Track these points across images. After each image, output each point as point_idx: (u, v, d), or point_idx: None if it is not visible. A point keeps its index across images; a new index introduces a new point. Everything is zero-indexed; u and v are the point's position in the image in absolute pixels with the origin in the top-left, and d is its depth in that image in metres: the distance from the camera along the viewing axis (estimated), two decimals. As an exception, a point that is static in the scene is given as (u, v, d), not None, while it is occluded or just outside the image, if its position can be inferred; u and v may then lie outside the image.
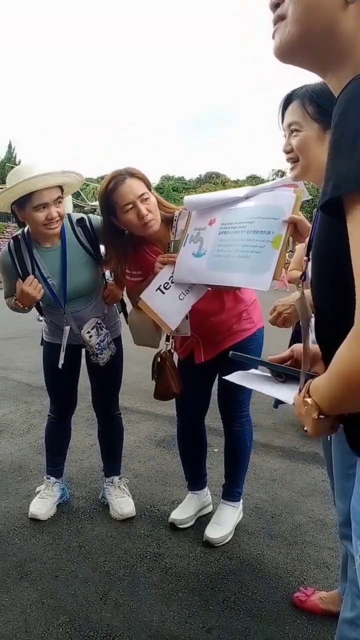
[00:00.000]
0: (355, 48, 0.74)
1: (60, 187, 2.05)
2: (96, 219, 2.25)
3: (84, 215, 2.27)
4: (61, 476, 2.62)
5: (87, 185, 46.26)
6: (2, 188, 2.06)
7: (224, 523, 2.29)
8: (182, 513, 2.40)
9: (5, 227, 23.71)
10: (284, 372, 0.99)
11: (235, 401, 2.25)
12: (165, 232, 2.04)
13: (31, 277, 2.11)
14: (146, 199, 1.93)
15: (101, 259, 2.20)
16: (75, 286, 2.19)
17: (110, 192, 1.92)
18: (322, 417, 0.79)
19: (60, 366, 2.28)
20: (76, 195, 36.05)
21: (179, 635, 1.72)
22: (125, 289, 2.27)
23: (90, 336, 2.23)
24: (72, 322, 2.25)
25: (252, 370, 1.14)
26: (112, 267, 2.12)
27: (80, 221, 2.21)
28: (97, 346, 2.24)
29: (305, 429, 0.91)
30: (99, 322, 2.26)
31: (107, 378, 2.45)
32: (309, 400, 0.80)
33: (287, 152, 1.45)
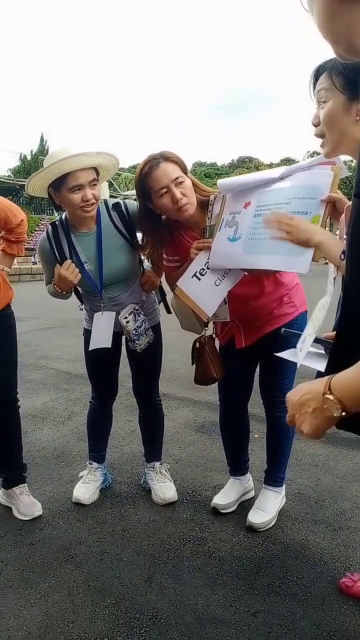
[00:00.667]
0: None
1: (96, 171, 2.05)
2: (132, 204, 2.25)
3: (120, 200, 2.27)
4: (103, 461, 2.65)
5: (120, 175, 46.46)
6: None
7: (267, 508, 2.28)
8: (225, 498, 2.40)
9: (40, 220, 24.03)
10: None
11: (277, 386, 2.22)
12: (201, 216, 2.01)
13: (68, 261, 2.13)
14: (181, 182, 1.90)
15: (137, 244, 2.20)
16: (111, 271, 2.19)
17: (144, 177, 1.91)
18: (344, 414, 0.76)
19: (90, 349, 2.30)
20: (109, 185, 36.28)
21: (225, 619, 1.72)
22: (163, 275, 2.26)
23: (128, 322, 2.23)
24: (110, 306, 2.26)
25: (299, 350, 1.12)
26: (149, 251, 2.11)
27: (116, 206, 2.21)
28: (134, 332, 2.24)
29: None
30: (136, 308, 2.26)
31: (147, 365, 2.46)
32: (330, 397, 0.77)
33: (315, 126, 1.40)
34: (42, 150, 35.34)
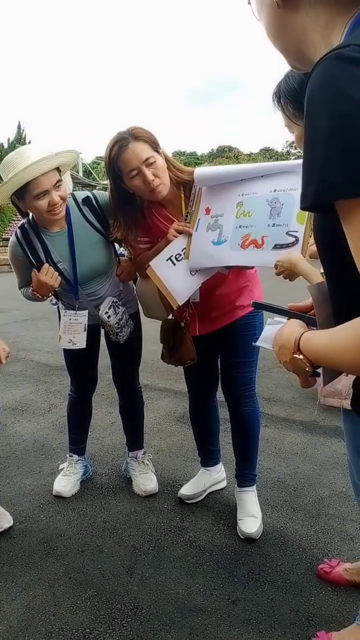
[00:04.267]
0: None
1: (58, 169, 1.98)
2: (102, 194, 2.20)
3: (89, 194, 2.21)
4: (84, 454, 2.64)
5: (99, 164, 45.91)
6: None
7: (254, 512, 2.20)
8: (192, 488, 2.41)
9: (15, 214, 23.44)
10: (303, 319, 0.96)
11: (241, 380, 2.16)
12: (176, 194, 1.96)
13: (46, 265, 2.07)
14: (152, 163, 1.83)
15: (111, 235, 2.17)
16: (89, 268, 2.16)
17: (114, 159, 1.85)
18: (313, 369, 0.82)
19: (60, 346, 2.28)
20: (87, 174, 35.86)
21: (205, 607, 1.74)
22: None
23: (109, 316, 2.21)
24: (88, 304, 2.24)
25: (273, 329, 1.13)
26: (122, 233, 2.03)
27: (86, 200, 2.15)
28: (116, 325, 2.23)
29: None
30: (114, 300, 2.23)
31: (127, 352, 2.44)
32: (299, 356, 0.82)
33: None
34: (20, 139, 34.78)
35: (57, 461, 2.81)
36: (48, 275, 2.05)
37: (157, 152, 1.87)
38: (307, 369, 0.82)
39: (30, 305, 3.21)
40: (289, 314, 0.98)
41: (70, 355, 2.45)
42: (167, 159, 1.92)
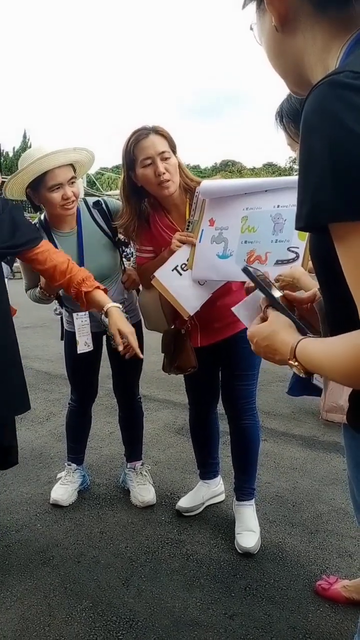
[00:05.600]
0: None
1: (73, 168, 2.05)
2: (112, 201, 2.25)
3: (100, 199, 2.27)
4: (82, 463, 2.63)
5: (102, 174, 46.26)
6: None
7: (252, 526, 2.18)
8: (190, 501, 2.39)
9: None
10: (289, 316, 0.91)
11: (242, 393, 2.16)
12: (182, 199, 1.99)
13: None
14: (167, 158, 1.88)
15: (119, 241, 2.20)
16: (95, 269, 2.17)
17: (131, 145, 1.88)
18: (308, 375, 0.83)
19: (80, 351, 2.27)
20: (91, 184, 36.09)
21: (202, 621, 1.73)
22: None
23: None
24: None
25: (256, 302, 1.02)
26: (126, 221, 2.04)
27: (97, 204, 2.22)
28: None
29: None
30: (119, 307, 2.24)
31: (129, 362, 2.43)
32: (295, 363, 0.82)
33: None
34: (25, 147, 35.04)
35: (55, 470, 2.79)
36: None
37: (174, 153, 1.92)
38: (301, 375, 0.83)
39: (31, 312, 3.21)
40: (281, 308, 0.92)
41: (73, 364, 2.45)
42: (180, 164, 1.96)
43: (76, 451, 2.61)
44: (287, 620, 1.73)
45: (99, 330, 2.28)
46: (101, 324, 2.23)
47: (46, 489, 2.57)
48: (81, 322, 2.25)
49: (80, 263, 2.16)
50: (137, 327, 2.38)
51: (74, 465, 2.58)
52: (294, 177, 1.86)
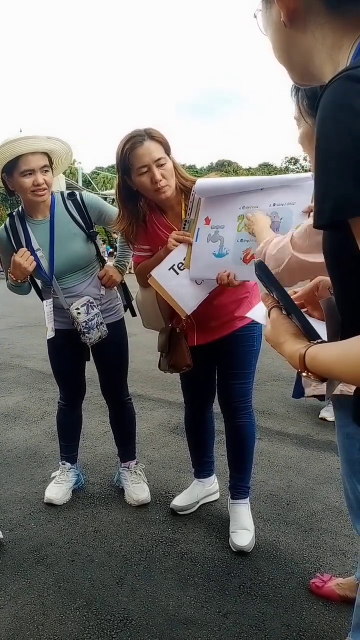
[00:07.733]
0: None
1: (49, 159, 2.11)
2: (88, 195, 2.32)
3: (76, 192, 2.33)
4: (76, 462, 2.63)
5: (98, 174, 46.20)
6: None
7: (247, 525, 2.18)
8: (184, 500, 2.39)
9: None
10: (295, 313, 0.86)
11: (237, 391, 2.16)
12: (179, 200, 1.99)
13: (24, 249, 2.16)
14: (163, 164, 1.88)
15: (93, 234, 2.25)
16: (65, 259, 2.22)
17: (127, 153, 1.87)
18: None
19: (47, 337, 2.34)
20: (87, 184, 36.01)
21: (196, 620, 1.72)
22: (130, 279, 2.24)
23: (79, 313, 2.21)
24: (62, 296, 2.26)
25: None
26: (125, 227, 2.04)
27: (71, 195, 2.28)
28: (84, 324, 2.22)
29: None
30: (91, 301, 2.24)
31: (113, 362, 2.45)
32: (306, 375, 0.79)
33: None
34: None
35: (49, 469, 2.79)
36: (23, 258, 2.13)
37: (169, 156, 1.92)
38: (313, 384, 0.81)
39: (26, 312, 3.20)
40: (292, 309, 0.86)
41: (57, 362, 2.48)
42: (175, 165, 1.96)
43: (69, 450, 2.61)
44: (281, 619, 1.73)
45: (72, 328, 2.28)
46: (68, 314, 2.24)
47: (40, 489, 2.57)
48: (49, 309, 2.31)
49: (52, 250, 2.20)
50: (119, 325, 2.39)
51: (68, 465, 2.57)
52: (290, 176, 1.86)
